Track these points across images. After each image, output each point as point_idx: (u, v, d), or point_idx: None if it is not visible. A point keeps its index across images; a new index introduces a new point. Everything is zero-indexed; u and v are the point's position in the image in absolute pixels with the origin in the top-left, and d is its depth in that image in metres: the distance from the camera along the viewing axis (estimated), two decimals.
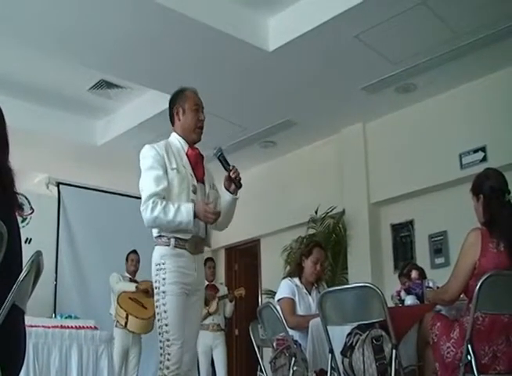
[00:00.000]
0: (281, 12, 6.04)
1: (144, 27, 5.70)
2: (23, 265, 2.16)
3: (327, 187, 8.10)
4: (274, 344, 4.36)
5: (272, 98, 7.11)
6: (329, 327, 3.49)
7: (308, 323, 4.11)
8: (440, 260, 6.89)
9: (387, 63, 6.37)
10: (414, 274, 4.78)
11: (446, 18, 5.60)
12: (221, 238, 8.74)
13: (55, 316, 6.86)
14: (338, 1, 5.48)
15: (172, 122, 3.75)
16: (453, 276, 3.36)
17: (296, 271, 4.92)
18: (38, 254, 2.21)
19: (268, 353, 4.75)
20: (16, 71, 6.94)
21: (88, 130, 8.35)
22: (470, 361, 3.05)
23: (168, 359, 3.35)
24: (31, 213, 8.29)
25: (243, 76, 6.64)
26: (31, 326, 5.47)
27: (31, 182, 9.29)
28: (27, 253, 2.20)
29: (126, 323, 6.86)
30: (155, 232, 3.55)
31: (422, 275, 5.04)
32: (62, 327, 5.99)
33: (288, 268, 6.90)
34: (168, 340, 3.36)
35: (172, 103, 3.75)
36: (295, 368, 3.93)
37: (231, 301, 7.56)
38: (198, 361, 7.45)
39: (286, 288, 4.76)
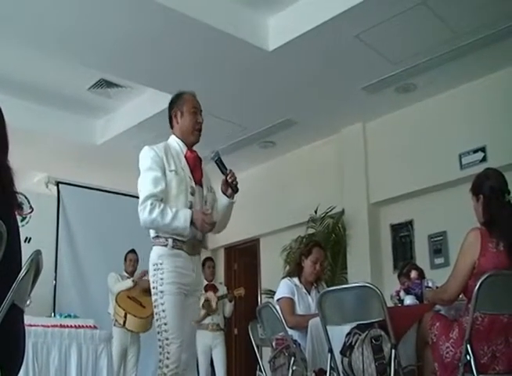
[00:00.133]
0: (281, 11, 6.03)
1: (144, 27, 5.70)
2: (23, 264, 2.16)
3: (327, 187, 8.10)
4: (273, 343, 4.36)
5: (272, 98, 7.11)
6: (328, 327, 3.49)
7: (307, 322, 4.11)
8: (439, 260, 6.89)
9: (387, 63, 6.37)
10: (413, 274, 4.78)
11: (446, 18, 5.60)
12: (221, 238, 8.69)
13: (54, 316, 6.87)
14: (338, 0, 5.47)
15: (171, 125, 3.80)
16: (452, 276, 3.36)
17: (295, 271, 4.93)
18: (38, 253, 2.21)
19: (267, 353, 4.75)
20: (16, 70, 6.94)
21: (88, 129, 8.34)
22: (470, 361, 3.06)
23: (168, 358, 3.36)
24: (31, 212, 8.30)
25: (242, 75, 6.64)
26: (31, 325, 5.48)
27: (31, 181, 9.29)
28: (26, 252, 2.20)
29: (124, 322, 6.86)
30: (152, 232, 3.59)
31: (421, 275, 5.04)
32: (61, 326, 5.99)
33: (287, 267, 6.90)
34: (167, 339, 3.38)
35: (171, 106, 3.81)
36: (294, 368, 3.93)
37: (230, 301, 7.56)
38: (197, 361, 7.46)
39: (285, 288, 4.76)
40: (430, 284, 4.00)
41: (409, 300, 3.91)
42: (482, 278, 3.02)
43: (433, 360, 3.32)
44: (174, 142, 3.74)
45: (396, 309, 3.77)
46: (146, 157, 3.58)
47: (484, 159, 6.51)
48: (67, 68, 6.84)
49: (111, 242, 8.51)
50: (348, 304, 3.48)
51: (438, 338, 3.30)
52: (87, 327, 6.17)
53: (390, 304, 3.81)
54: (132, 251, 7.29)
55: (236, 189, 3.74)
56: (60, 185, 8.98)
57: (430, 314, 3.47)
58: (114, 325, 6.94)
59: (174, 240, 3.50)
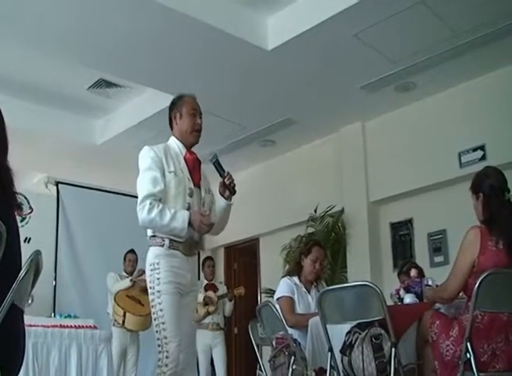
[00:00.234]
0: (280, 11, 6.03)
1: (144, 27, 5.70)
2: (23, 264, 2.16)
3: (326, 186, 8.10)
4: (273, 342, 4.36)
5: (271, 97, 7.11)
6: (328, 326, 3.49)
7: (307, 321, 4.12)
8: (439, 258, 6.89)
9: (386, 62, 6.37)
10: (413, 273, 4.78)
11: (445, 17, 5.60)
12: (221, 237, 8.64)
13: (54, 316, 6.88)
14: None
15: (171, 127, 3.84)
16: (452, 275, 3.36)
17: (295, 270, 4.93)
18: (37, 253, 2.21)
19: (267, 352, 4.76)
20: (16, 70, 6.94)
21: (88, 129, 8.34)
22: (470, 359, 3.06)
23: (167, 357, 3.39)
24: (30, 212, 8.30)
25: (242, 75, 6.64)
26: (30, 325, 5.48)
27: (30, 181, 9.29)
28: (26, 252, 2.20)
29: (123, 322, 6.88)
30: (149, 232, 3.62)
31: (421, 273, 5.04)
32: (61, 326, 5.99)
33: (287, 267, 6.91)
34: (166, 337, 3.40)
35: (171, 108, 3.85)
36: (294, 367, 3.94)
37: (230, 301, 7.57)
38: (198, 360, 7.47)
39: (285, 287, 4.76)
40: (430, 283, 4.00)
41: (408, 298, 3.91)
42: (482, 276, 3.02)
43: (433, 358, 3.33)
44: (173, 143, 3.77)
45: (396, 308, 3.77)
46: (146, 157, 3.61)
47: (483, 157, 6.51)
48: (67, 68, 6.84)
49: (111, 242, 8.51)
50: (348, 303, 3.48)
51: (438, 337, 3.31)
52: (87, 327, 6.17)
53: (390, 302, 3.81)
54: (131, 251, 7.30)
55: (233, 192, 3.76)
56: (60, 185, 8.98)
57: (430, 312, 3.48)
58: (113, 325, 6.96)
59: (170, 240, 3.54)
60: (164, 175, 3.56)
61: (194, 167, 3.74)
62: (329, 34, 5.78)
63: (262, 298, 8.65)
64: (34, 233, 7.69)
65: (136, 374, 7.10)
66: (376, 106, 7.39)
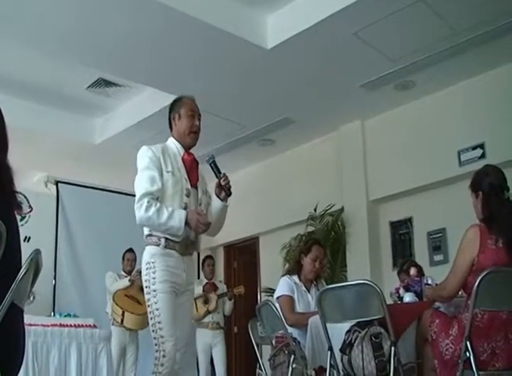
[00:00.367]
0: (279, 9, 6.03)
1: (144, 26, 5.70)
2: (22, 263, 2.16)
3: (326, 185, 8.10)
4: (273, 341, 4.36)
5: (271, 96, 7.11)
6: (328, 325, 3.49)
7: (307, 320, 4.11)
8: (439, 257, 6.89)
9: (385, 61, 6.37)
10: (413, 271, 4.78)
11: (445, 15, 5.60)
12: (220, 236, 8.66)
13: (54, 315, 6.87)
14: None
15: (171, 128, 3.88)
16: (452, 273, 3.37)
17: (295, 269, 4.93)
18: (37, 252, 2.21)
19: (267, 351, 4.76)
20: (16, 70, 6.94)
21: (87, 128, 8.34)
22: (469, 358, 3.06)
23: (164, 356, 3.41)
24: (30, 211, 8.30)
25: (241, 74, 6.63)
26: (30, 324, 5.48)
27: (30, 180, 9.28)
28: (25, 251, 2.20)
29: (122, 321, 6.90)
30: (146, 230, 3.65)
31: (421, 272, 5.05)
32: (61, 325, 5.98)
33: (287, 265, 6.91)
34: (162, 337, 3.43)
35: (170, 109, 3.89)
36: (294, 366, 3.94)
37: (230, 300, 7.57)
38: (197, 359, 7.47)
39: (284, 286, 4.77)
40: (429, 281, 4.00)
41: (408, 297, 3.91)
42: (482, 275, 3.02)
43: (433, 357, 3.33)
44: (172, 144, 3.81)
45: (396, 307, 3.77)
46: (144, 156, 3.65)
47: (483, 156, 6.51)
48: (66, 68, 6.84)
49: (111, 241, 8.51)
50: (348, 301, 3.48)
51: (437, 335, 3.31)
52: (86, 326, 6.16)
53: (389, 301, 3.81)
54: (130, 250, 7.30)
55: (229, 193, 3.78)
56: (59, 184, 8.98)
57: (430, 311, 3.48)
58: (112, 324, 6.98)
59: (166, 239, 3.57)
60: (161, 174, 3.60)
61: (192, 167, 3.78)
62: (329, 32, 5.78)
63: (262, 297, 8.65)
64: (34, 232, 7.69)
65: (136, 372, 7.11)
66: (375, 105, 7.39)
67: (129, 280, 7.02)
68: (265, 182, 9.05)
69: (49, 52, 6.38)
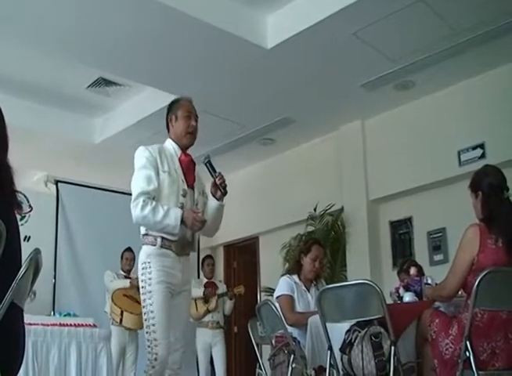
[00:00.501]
0: (279, 9, 6.03)
1: (144, 25, 5.70)
2: (22, 263, 2.16)
3: (326, 184, 8.10)
4: (273, 341, 4.36)
5: (271, 95, 7.11)
6: (328, 324, 3.49)
7: (306, 320, 4.12)
8: (439, 257, 6.90)
9: (385, 60, 6.37)
10: (413, 271, 4.78)
11: (445, 15, 5.60)
12: (220, 236, 8.70)
13: (54, 314, 6.86)
14: None
15: (168, 129, 3.90)
16: (451, 273, 3.37)
17: (295, 268, 4.93)
18: (37, 251, 2.21)
19: (267, 350, 4.75)
20: (16, 70, 6.94)
21: (87, 128, 8.34)
22: (469, 357, 3.06)
23: (156, 359, 3.44)
24: (30, 211, 8.29)
25: (241, 74, 6.63)
26: (30, 324, 5.47)
27: (30, 180, 9.28)
28: (25, 251, 2.20)
29: (121, 320, 6.91)
30: (142, 230, 3.67)
31: (420, 272, 5.05)
32: (61, 324, 5.98)
33: (287, 265, 6.90)
34: (156, 339, 3.45)
35: (168, 111, 3.92)
36: (294, 365, 3.94)
37: (230, 299, 7.58)
38: (197, 358, 7.48)
39: (284, 285, 4.77)
40: (429, 281, 4.00)
41: (408, 297, 3.91)
42: (482, 274, 3.02)
43: (432, 357, 3.33)
44: (169, 145, 3.84)
45: (395, 306, 3.77)
46: (141, 156, 3.67)
47: (483, 156, 6.51)
48: (66, 67, 6.84)
49: (110, 240, 8.50)
50: (348, 301, 3.48)
51: (437, 335, 3.31)
52: (86, 325, 6.16)
53: (389, 301, 3.81)
54: (128, 249, 7.30)
55: (224, 192, 3.78)
56: (59, 183, 8.96)
57: (430, 311, 3.48)
58: (112, 324, 6.98)
59: (162, 239, 3.58)
60: (158, 174, 3.62)
61: (189, 168, 3.79)
62: (329, 32, 5.78)
63: (262, 297, 8.65)
64: (34, 232, 7.67)
65: (135, 372, 7.10)
66: (375, 105, 7.39)
67: (130, 282, 7.02)
68: (264, 181, 9.05)
69: (49, 52, 6.38)
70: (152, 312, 3.48)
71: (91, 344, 6.00)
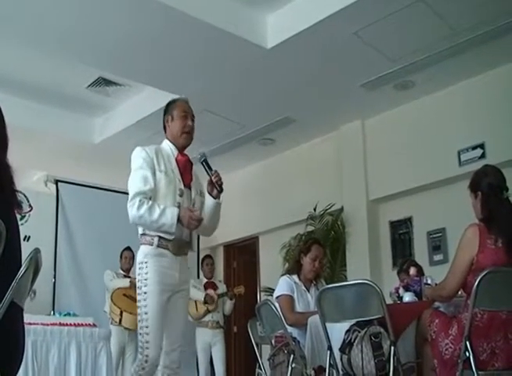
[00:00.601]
0: (279, 9, 6.03)
1: (144, 25, 5.70)
2: (22, 262, 2.16)
3: (326, 184, 8.10)
4: (273, 341, 4.36)
5: (271, 95, 7.11)
6: (327, 324, 3.49)
7: (306, 320, 4.12)
8: (438, 257, 6.90)
9: (385, 60, 6.37)
10: (412, 271, 4.78)
11: (444, 15, 5.60)
12: (220, 236, 8.72)
13: (53, 314, 6.86)
14: None
15: (165, 130, 3.92)
16: (451, 273, 3.37)
17: (294, 268, 4.93)
18: (37, 251, 2.21)
19: (266, 350, 4.76)
20: (16, 70, 6.95)
21: (87, 128, 8.35)
22: (469, 358, 3.06)
23: (146, 361, 3.46)
24: (30, 211, 8.29)
25: (241, 73, 6.63)
26: (30, 323, 5.47)
27: (30, 179, 9.28)
28: (25, 250, 2.20)
29: (120, 320, 6.91)
30: (140, 230, 3.69)
31: (420, 272, 5.05)
32: (60, 324, 5.98)
33: (287, 265, 6.91)
34: (148, 342, 3.47)
35: (164, 112, 3.94)
36: (294, 365, 3.93)
37: (231, 299, 7.58)
38: (197, 358, 7.48)
39: (284, 285, 4.77)
40: (429, 281, 4.00)
41: (408, 297, 3.91)
42: (481, 275, 3.03)
43: (432, 357, 3.33)
44: (166, 145, 3.86)
45: (395, 306, 3.77)
46: (138, 156, 3.70)
47: (482, 156, 6.51)
48: (66, 67, 6.84)
49: (110, 240, 8.49)
50: (347, 301, 3.48)
51: (437, 335, 3.31)
52: (86, 325, 6.15)
53: (389, 301, 3.81)
54: (128, 248, 7.31)
55: (220, 189, 3.79)
56: (59, 183, 8.95)
57: (430, 311, 3.48)
58: (111, 323, 6.99)
59: (159, 238, 3.59)
60: (154, 174, 3.63)
61: (185, 168, 3.80)
62: (329, 32, 5.78)
63: (262, 297, 8.66)
64: (34, 232, 7.67)
65: None
66: (375, 105, 7.39)
67: (130, 282, 7.03)
68: (264, 181, 9.05)
69: (49, 52, 6.39)
70: (146, 313, 3.49)
71: (91, 343, 5.99)
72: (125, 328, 7.00)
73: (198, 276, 8.42)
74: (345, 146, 7.99)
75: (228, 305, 7.61)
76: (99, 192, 9.17)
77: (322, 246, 5.06)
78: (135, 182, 3.62)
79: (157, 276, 3.52)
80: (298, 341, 4.23)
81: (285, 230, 8.47)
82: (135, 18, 5.58)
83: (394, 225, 7.52)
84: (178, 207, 3.61)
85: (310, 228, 7.89)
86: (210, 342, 7.39)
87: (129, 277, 7.18)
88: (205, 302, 7.35)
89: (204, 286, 7.55)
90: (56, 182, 8.94)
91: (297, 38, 5.88)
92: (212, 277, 7.82)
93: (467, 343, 3.08)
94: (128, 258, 7.34)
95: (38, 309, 6.23)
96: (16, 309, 2.12)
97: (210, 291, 7.46)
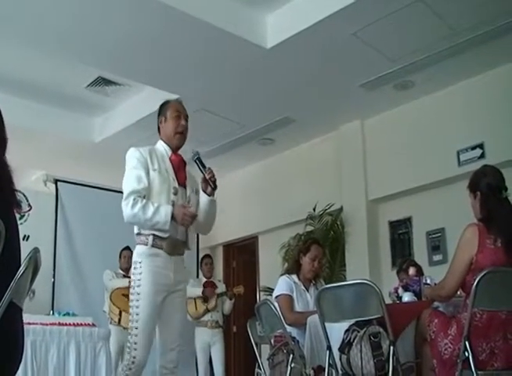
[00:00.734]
0: (279, 9, 6.03)
1: (144, 25, 5.70)
2: (21, 262, 2.16)
3: (325, 184, 8.10)
4: (272, 341, 4.36)
5: (270, 95, 7.11)
6: (327, 324, 3.49)
7: (306, 319, 4.12)
8: (438, 257, 6.90)
9: (385, 60, 6.37)
10: (412, 271, 4.79)
11: (444, 15, 5.60)
12: (219, 235, 8.75)
13: (53, 314, 6.86)
14: None
15: (159, 131, 3.97)
16: (450, 272, 3.37)
17: (294, 268, 4.94)
18: (36, 251, 2.21)
19: (266, 350, 4.76)
20: (15, 69, 6.94)
21: (86, 127, 8.34)
22: (468, 358, 3.06)
23: (133, 362, 3.48)
24: (29, 210, 8.28)
25: (241, 73, 6.63)
26: (29, 323, 5.47)
27: (29, 179, 9.27)
28: (24, 250, 2.20)
29: (119, 320, 6.90)
30: (135, 229, 3.71)
31: (420, 272, 5.05)
32: (60, 324, 5.98)
33: (286, 265, 6.91)
34: (136, 343, 3.50)
35: (158, 113, 4.01)
36: (293, 365, 3.93)
37: (230, 299, 7.58)
38: (196, 358, 7.48)
39: (283, 285, 4.77)
40: (428, 281, 4.00)
41: (407, 297, 3.92)
42: (480, 275, 3.03)
43: (431, 357, 3.33)
44: (160, 146, 3.89)
45: (394, 306, 3.77)
46: (132, 157, 3.73)
47: (482, 156, 6.51)
48: (66, 67, 6.84)
49: (110, 240, 8.49)
50: (347, 301, 3.49)
51: (436, 335, 3.31)
52: (85, 324, 6.15)
53: (388, 301, 3.81)
54: (127, 247, 7.31)
55: (214, 186, 3.80)
56: (59, 183, 8.96)
57: (429, 311, 3.48)
58: (110, 323, 6.99)
59: (154, 237, 3.59)
60: (148, 173, 3.65)
61: (179, 167, 3.82)
62: (328, 32, 5.78)
63: (261, 297, 8.66)
64: (33, 231, 7.67)
65: None
66: (375, 105, 7.39)
67: (129, 281, 7.02)
68: (264, 181, 9.05)
69: (49, 52, 6.38)
70: (137, 314, 3.51)
71: (91, 343, 6.00)
72: (124, 328, 6.97)
73: (197, 276, 8.42)
74: (345, 146, 7.99)
75: (228, 304, 7.61)
76: (98, 191, 9.17)
77: (321, 246, 5.06)
78: (129, 182, 3.63)
79: (151, 276, 3.53)
80: (297, 341, 4.23)
81: (284, 230, 8.47)
82: (134, 18, 5.58)
83: (394, 225, 7.53)
84: (173, 205, 3.61)
85: (309, 228, 7.90)
86: (209, 342, 7.39)
87: (128, 277, 7.15)
88: (203, 297, 7.34)
89: (203, 285, 7.55)
90: (56, 181, 8.94)
91: (297, 38, 5.87)
92: (211, 277, 7.82)
93: (466, 343, 3.08)
94: (127, 257, 7.33)
95: (37, 308, 6.23)
96: (15, 309, 2.12)
97: (210, 288, 7.48)
